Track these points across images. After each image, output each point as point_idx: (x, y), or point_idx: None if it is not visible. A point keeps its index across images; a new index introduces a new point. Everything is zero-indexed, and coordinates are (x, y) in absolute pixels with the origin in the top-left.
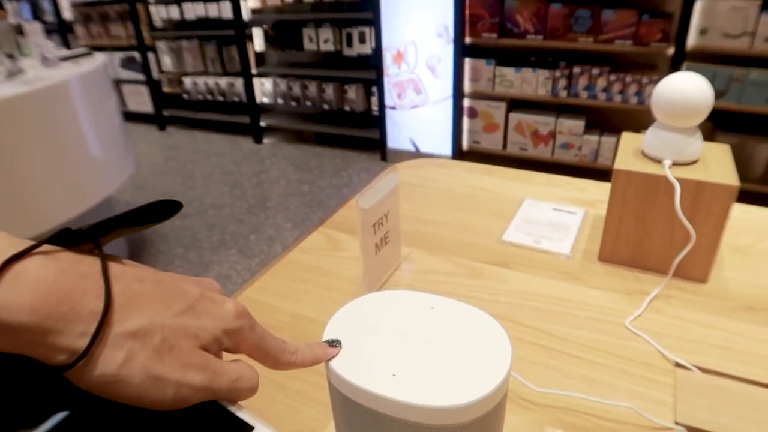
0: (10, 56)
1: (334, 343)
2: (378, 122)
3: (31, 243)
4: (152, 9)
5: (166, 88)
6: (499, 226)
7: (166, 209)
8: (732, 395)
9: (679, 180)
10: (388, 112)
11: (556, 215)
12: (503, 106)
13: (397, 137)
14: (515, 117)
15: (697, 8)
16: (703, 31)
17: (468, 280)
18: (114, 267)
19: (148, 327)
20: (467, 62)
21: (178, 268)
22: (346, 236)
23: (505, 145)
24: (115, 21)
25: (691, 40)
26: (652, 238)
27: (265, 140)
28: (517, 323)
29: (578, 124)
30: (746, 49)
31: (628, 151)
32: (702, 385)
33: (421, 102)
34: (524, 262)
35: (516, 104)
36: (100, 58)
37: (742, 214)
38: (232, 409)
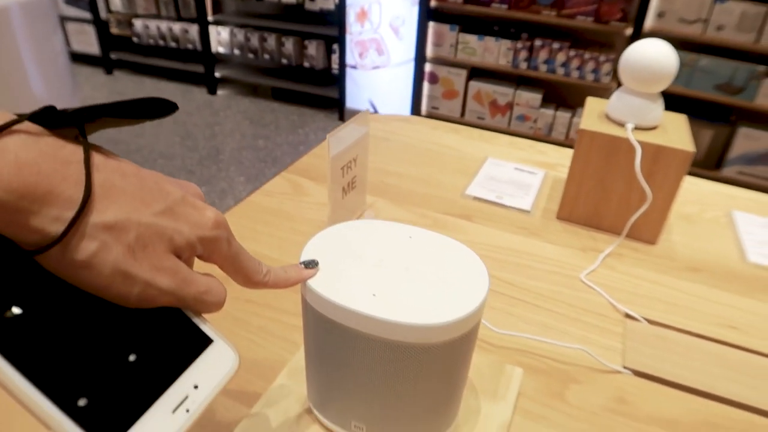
0: None
1: (310, 265)
2: (337, 81)
3: (12, 117)
4: None
5: (114, 30)
6: (462, 181)
7: (159, 107)
8: (674, 345)
9: (640, 143)
10: (349, 72)
11: (517, 174)
12: (464, 73)
13: (356, 97)
14: (475, 85)
15: None
16: (660, 14)
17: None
18: (97, 157)
19: (125, 222)
20: (431, 26)
21: None
22: (311, 182)
23: (463, 113)
24: None
25: (649, 21)
26: (609, 199)
27: (220, 92)
28: None
29: (536, 97)
30: (698, 36)
31: (593, 114)
32: (648, 335)
33: (383, 63)
34: (486, 216)
35: (476, 72)
36: None
37: (690, 185)
38: (196, 320)
